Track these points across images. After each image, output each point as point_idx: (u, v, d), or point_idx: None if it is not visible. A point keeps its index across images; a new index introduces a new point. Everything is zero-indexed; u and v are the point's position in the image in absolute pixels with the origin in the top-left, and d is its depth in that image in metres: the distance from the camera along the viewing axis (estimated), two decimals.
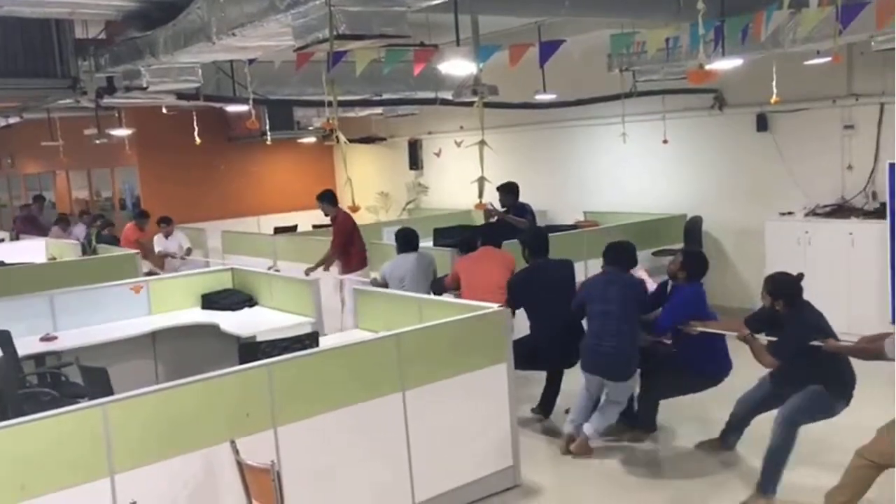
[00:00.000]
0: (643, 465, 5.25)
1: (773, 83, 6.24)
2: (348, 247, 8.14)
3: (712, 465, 5.15)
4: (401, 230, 7.24)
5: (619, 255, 5.51)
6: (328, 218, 8.47)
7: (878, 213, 7.52)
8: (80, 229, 11.47)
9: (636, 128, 9.73)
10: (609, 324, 5.18)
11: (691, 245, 8.99)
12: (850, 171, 8.12)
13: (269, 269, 8.70)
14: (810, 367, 4.46)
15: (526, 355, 5.46)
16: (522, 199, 8.51)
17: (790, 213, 8.30)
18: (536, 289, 5.89)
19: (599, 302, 5.28)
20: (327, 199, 8.35)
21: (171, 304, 6.93)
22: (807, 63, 7.04)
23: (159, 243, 10.16)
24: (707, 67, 5.09)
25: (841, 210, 7.97)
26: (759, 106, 8.43)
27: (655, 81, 8.11)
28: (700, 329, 5.09)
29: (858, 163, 8.06)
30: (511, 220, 8.03)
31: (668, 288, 5.47)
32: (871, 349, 4.16)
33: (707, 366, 5.25)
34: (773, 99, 5.96)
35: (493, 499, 4.76)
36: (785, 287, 4.65)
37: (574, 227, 9.45)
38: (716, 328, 5.16)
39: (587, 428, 5.31)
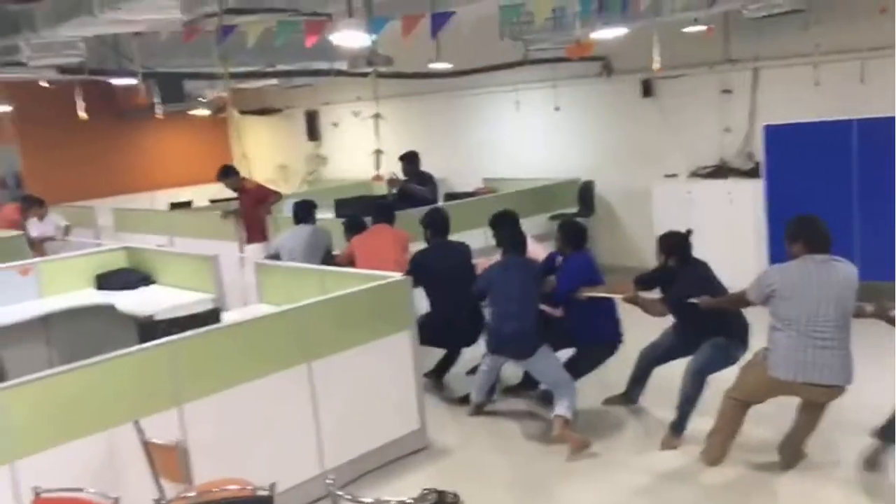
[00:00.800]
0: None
1: (655, 51, 6.53)
2: (261, 216, 8.17)
3: (618, 420, 5.41)
4: (298, 202, 7.24)
5: (512, 238, 5.61)
6: (234, 192, 8.44)
7: (754, 173, 8.02)
8: None
9: (529, 95, 9.98)
10: (511, 307, 5.25)
11: (584, 209, 9.35)
12: (728, 133, 8.59)
13: (160, 245, 8.49)
14: (710, 318, 4.76)
15: (427, 332, 5.48)
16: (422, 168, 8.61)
17: (674, 175, 8.72)
18: (436, 268, 5.95)
19: (500, 286, 5.36)
20: (230, 174, 8.31)
21: (63, 286, 6.70)
22: (685, 31, 7.37)
23: (34, 228, 9.30)
24: (590, 38, 5.29)
25: (720, 171, 8.44)
26: (643, 73, 8.78)
27: (546, 50, 8.30)
28: (588, 294, 5.25)
29: (736, 125, 8.54)
30: (413, 190, 8.12)
31: (558, 260, 5.64)
32: (737, 299, 4.55)
33: (600, 333, 5.44)
34: (655, 66, 6.23)
35: (403, 460, 4.91)
36: (676, 243, 5.06)
37: (473, 194, 9.62)
38: (603, 292, 5.33)
39: (561, 410, 5.08)
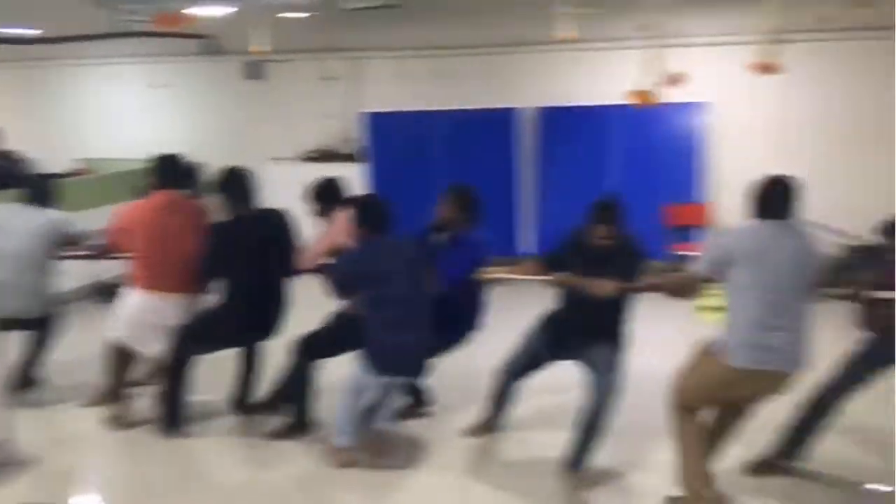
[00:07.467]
0: None
1: (255, 33, 6.52)
2: None
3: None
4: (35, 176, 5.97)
5: (382, 213, 4.23)
6: None
7: (353, 157, 8.50)
8: None
9: (129, 70, 9.38)
10: (403, 311, 4.07)
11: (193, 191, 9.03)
12: (331, 119, 8.94)
13: None
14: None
15: (213, 331, 4.49)
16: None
17: (283, 159, 8.86)
18: (244, 241, 4.62)
19: (385, 283, 4.03)
20: None
21: None
22: (279, 16, 7.44)
23: None
24: (186, 12, 5.10)
25: (325, 155, 8.79)
26: (248, 55, 8.72)
27: (142, 22, 7.79)
28: (498, 276, 4.29)
29: (339, 112, 8.91)
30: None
31: (440, 238, 4.48)
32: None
33: (470, 326, 4.54)
34: (252, 48, 6.27)
35: None
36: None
37: (73, 174, 8.75)
38: (508, 273, 4.34)
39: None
